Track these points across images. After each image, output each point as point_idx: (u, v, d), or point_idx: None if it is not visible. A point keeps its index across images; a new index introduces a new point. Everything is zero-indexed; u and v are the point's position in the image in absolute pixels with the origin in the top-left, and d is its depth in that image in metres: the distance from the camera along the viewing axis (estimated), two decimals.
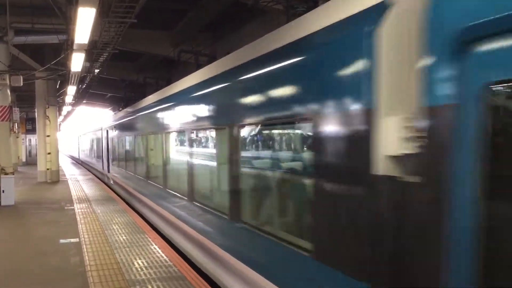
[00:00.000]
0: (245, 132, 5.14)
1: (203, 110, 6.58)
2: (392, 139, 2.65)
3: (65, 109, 30.62)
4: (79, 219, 10.56)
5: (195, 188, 7.10)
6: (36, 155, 22.41)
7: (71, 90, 18.47)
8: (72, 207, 12.46)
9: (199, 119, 6.74)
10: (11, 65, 14.37)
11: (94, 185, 18.76)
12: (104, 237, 8.59)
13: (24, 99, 26.35)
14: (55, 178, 20.66)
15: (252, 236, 4.83)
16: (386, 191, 2.73)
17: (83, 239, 8.47)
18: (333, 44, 3.39)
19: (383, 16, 2.78)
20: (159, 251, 7.52)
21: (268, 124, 4.56)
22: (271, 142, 5.02)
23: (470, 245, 2.16)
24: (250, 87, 4.84)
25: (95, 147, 25.13)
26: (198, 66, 13.32)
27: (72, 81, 15.88)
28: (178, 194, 8.05)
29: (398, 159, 2.64)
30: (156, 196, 10.03)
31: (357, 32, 3.00)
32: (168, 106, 8.78)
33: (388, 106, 2.73)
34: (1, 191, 12.94)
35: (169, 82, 18.56)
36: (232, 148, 5.31)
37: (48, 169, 20.39)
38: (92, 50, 12.02)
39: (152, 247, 7.78)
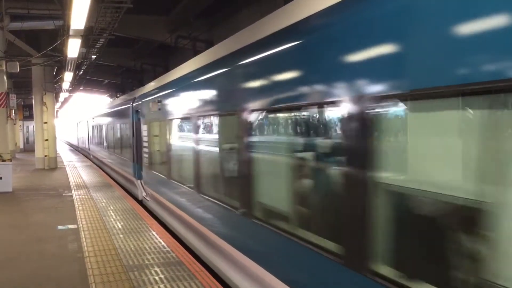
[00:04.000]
0: None
1: None
2: None
3: (62, 95, 30.52)
4: (77, 205, 10.60)
5: None
6: (34, 141, 22.39)
7: (68, 76, 18.37)
8: (70, 194, 12.49)
9: None
10: (7, 51, 14.28)
11: (92, 171, 18.78)
12: (102, 223, 8.63)
13: (21, 85, 26.23)
14: (53, 164, 20.68)
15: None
16: None
17: (81, 225, 8.51)
18: None
19: None
20: (157, 237, 7.56)
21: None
22: None
23: None
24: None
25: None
26: (196, 52, 13.22)
27: (69, 67, 15.80)
28: None
29: None
30: None
31: None
32: None
33: None
34: None
35: (166, 68, 18.47)
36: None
37: (45, 155, 20.39)
38: (88, 36, 11.93)
39: (150, 233, 7.82)
